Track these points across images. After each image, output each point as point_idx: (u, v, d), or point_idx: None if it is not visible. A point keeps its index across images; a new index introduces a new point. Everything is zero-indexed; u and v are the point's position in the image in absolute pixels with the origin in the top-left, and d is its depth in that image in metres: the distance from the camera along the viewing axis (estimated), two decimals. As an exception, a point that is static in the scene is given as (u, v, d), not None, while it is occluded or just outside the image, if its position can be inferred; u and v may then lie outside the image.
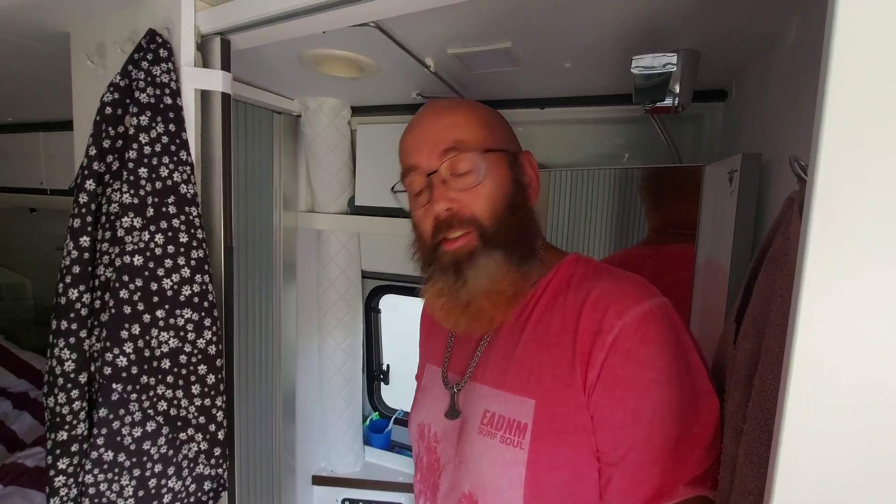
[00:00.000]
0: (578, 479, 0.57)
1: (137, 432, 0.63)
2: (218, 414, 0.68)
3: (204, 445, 0.67)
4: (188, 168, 0.67)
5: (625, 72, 0.82)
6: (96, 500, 0.61)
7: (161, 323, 0.64)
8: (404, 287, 1.62)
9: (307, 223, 1.50)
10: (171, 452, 0.66)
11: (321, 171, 1.40)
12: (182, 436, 0.66)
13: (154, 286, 0.63)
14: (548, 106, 1.17)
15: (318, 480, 1.64)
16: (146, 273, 0.62)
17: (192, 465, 0.69)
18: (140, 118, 0.64)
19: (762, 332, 0.52)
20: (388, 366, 1.79)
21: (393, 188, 0.67)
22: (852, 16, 0.26)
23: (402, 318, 1.76)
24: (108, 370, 0.59)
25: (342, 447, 1.63)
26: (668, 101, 0.83)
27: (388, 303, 1.74)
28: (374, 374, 1.78)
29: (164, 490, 0.66)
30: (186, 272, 0.65)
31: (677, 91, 0.81)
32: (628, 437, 0.54)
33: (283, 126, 1.38)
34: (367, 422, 1.76)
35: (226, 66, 0.71)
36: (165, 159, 0.65)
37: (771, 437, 0.34)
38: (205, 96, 0.71)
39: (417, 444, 0.73)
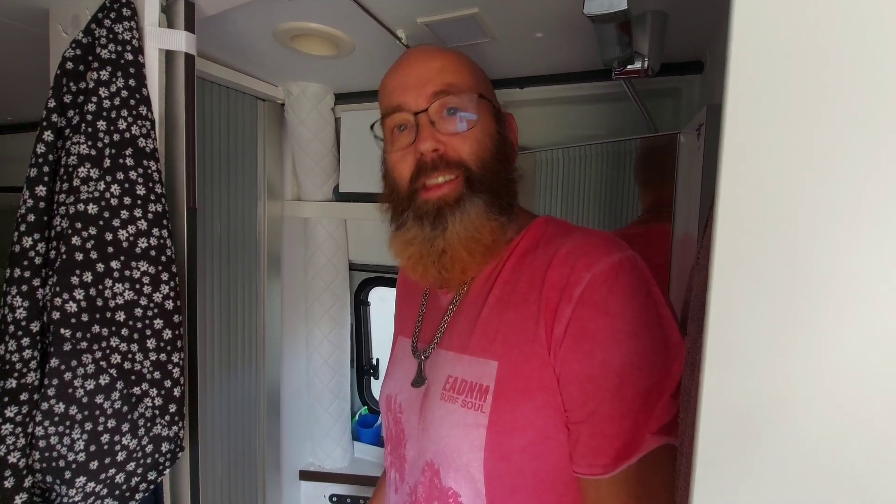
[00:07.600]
0: (543, 440, 0.54)
1: (90, 385, 0.62)
2: (174, 370, 0.67)
3: (159, 401, 0.66)
4: (147, 123, 0.67)
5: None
6: (46, 454, 0.60)
7: (116, 274, 0.63)
8: (394, 279, 1.61)
9: (293, 212, 1.50)
10: (125, 408, 0.65)
11: (305, 158, 1.41)
12: (136, 390, 0.65)
13: (109, 236, 0.63)
14: (527, 85, 1.17)
15: (306, 475, 1.61)
16: (101, 222, 0.62)
17: (149, 424, 0.67)
18: (101, 73, 0.65)
19: (715, 262, 0.50)
20: (377, 360, 1.76)
21: (372, 126, 0.65)
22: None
23: (391, 311, 1.73)
24: (56, 315, 0.58)
25: (330, 442, 1.60)
26: (637, 65, 0.83)
27: (377, 295, 1.73)
28: (364, 368, 1.75)
29: (118, 447, 0.64)
30: (143, 224, 0.65)
31: (646, 52, 0.81)
32: (597, 391, 0.51)
33: (268, 113, 1.39)
34: (357, 417, 1.73)
35: (189, 27, 0.72)
36: (124, 112, 0.65)
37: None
38: (169, 57, 0.72)
39: (386, 416, 0.72)
